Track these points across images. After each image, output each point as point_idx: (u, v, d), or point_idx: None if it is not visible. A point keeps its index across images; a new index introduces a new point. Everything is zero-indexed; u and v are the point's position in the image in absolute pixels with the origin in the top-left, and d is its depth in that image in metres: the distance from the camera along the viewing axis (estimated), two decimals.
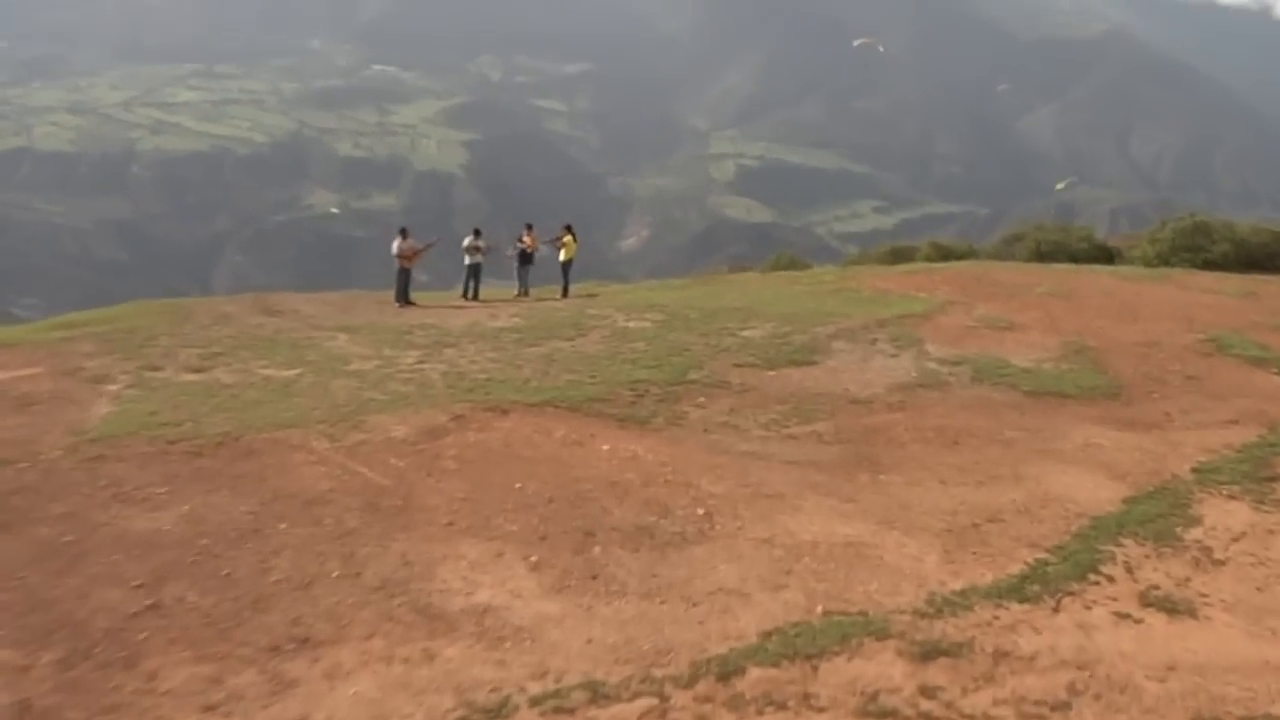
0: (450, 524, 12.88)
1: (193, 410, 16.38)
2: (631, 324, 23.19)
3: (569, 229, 30.41)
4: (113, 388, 17.71)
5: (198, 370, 18.93)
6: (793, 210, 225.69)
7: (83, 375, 18.32)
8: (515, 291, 30.32)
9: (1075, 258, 37.09)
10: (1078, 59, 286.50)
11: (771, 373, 19.73)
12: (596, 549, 12.41)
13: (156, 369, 18.90)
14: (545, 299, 29.47)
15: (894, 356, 20.91)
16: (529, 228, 30.87)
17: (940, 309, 24.56)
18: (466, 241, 30.01)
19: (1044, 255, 37.38)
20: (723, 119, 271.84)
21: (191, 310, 25.36)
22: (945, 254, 38.30)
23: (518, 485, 14.02)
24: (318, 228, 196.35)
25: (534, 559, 12.07)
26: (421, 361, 19.73)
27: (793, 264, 39.93)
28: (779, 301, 25.67)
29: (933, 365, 20.45)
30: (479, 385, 18.14)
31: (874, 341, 21.71)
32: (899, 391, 19.03)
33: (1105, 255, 38.03)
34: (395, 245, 28.71)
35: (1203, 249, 35.23)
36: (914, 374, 19.97)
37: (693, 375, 19.18)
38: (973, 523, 13.37)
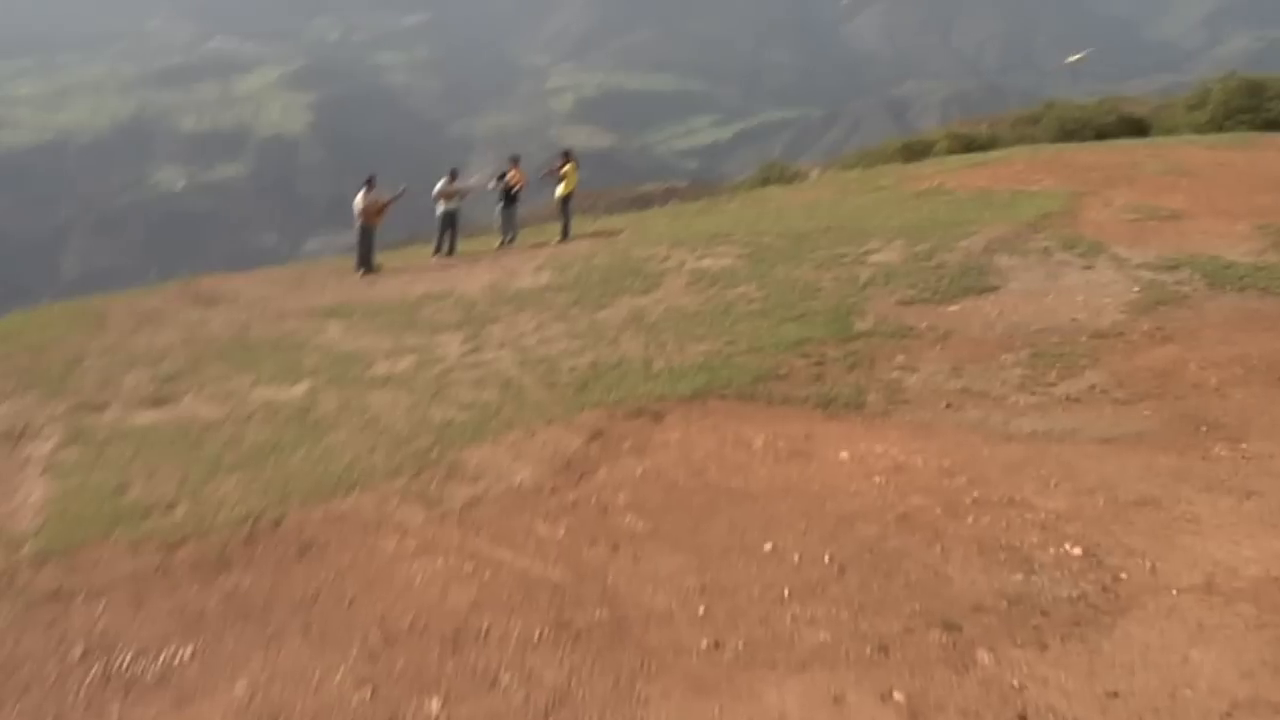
0: (715, 646, 7.41)
1: (182, 475, 10.48)
2: (708, 263, 17.63)
3: (568, 155, 24.44)
4: (42, 448, 11.64)
5: (159, 402, 12.88)
6: (632, 134, 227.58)
7: None
8: (499, 241, 24.32)
9: (1103, 133, 32.44)
10: None
11: (954, 307, 14.47)
12: (982, 654, 7.06)
13: (98, 408, 12.81)
14: (542, 244, 23.59)
15: (1088, 269, 15.77)
16: (514, 161, 24.86)
17: (1076, 203, 19.47)
18: (440, 185, 23.90)
19: (1070, 134, 32.64)
20: (560, 53, 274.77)
21: (104, 311, 19.06)
22: (967, 143, 33.26)
23: (767, 547, 8.59)
24: (164, 206, 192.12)
25: (900, 696, 6.68)
26: (474, 349, 13.93)
27: (783, 174, 34.38)
28: (871, 214, 20.29)
29: (1147, 274, 15.38)
30: (585, 377, 12.48)
31: (1046, 251, 16.53)
32: (1141, 315, 13.91)
33: (1137, 128, 33.37)
34: (358, 199, 22.56)
35: (1260, 109, 30.71)
36: (1135, 289, 14.86)
37: (859, 325, 13.79)
38: None
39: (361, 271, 22.31)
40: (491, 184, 24.43)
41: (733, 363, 12.58)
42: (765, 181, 34.13)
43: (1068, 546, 8.44)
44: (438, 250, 23.81)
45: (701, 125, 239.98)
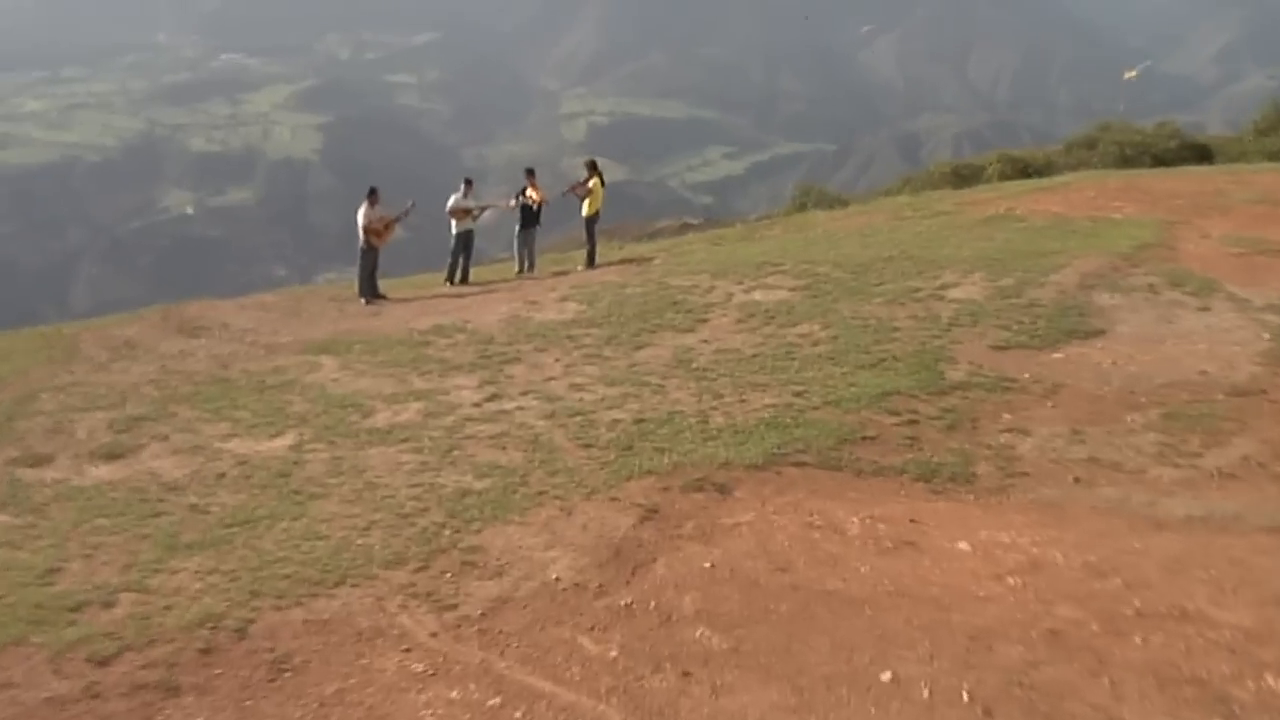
0: None
1: (129, 556, 8.34)
2: (759, 296, 15.46)
3: (594, 167, 22.14)
4: None
5: (114, 456, 10.71)
6: (644, 165, 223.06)
7: None
8: (517, 268, 22.06)
9: (1163, 160, 30.30)
10: None
11: (1058, 354, 12.34)
12: None
13: (42, 461, 10.64)
14: (564, 271, 21.43)
15: (1204, 310, 13.65)
16: (531, 174, 22.62)
17: (1169, 234, 17.36)
18: (453, 200, 21.65)
19: (1128, 160, 30.48)
20: (571, 77, 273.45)
21: (77, 340, 16.88)
22: (1022, 167, 31.11)
23: (885, 677, 6.56)
24: (173, 231, 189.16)
25: None
26: (492, 396, 11.73)
27: (823, 199, 32.12)
28: (937, 242, 18.14)
29: (1275, 319, 13.19)
30: (630, 434, 10.30)
31: (1152, 289, 14.39)
32: None
33: (1201, 153, 31.22)
34: (361, 214, 20.34)
35: None
36: (1265, 336, 12.71)
37: (951, 374, 11.62)
38: None
39: (366, 300, 20.14)
40: (511, 203, 22.20)
41: (807, 419, 10.41)
42: (804, 206, 31.90)
43: (1270, 680, 6.37)
44: (451, 277, 21.55)
45: (714, 157, 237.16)
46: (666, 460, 9.53)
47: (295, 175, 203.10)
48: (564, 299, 16.79)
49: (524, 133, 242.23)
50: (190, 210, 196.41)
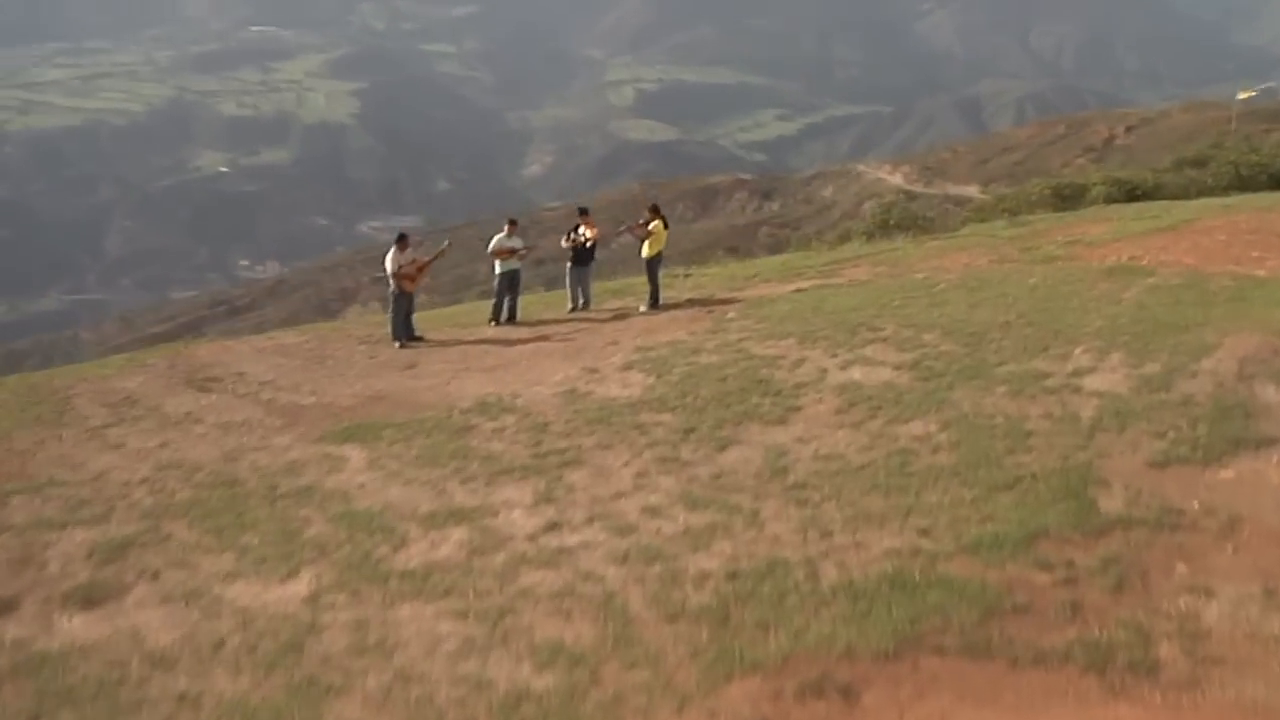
0: None
1: None
2: (858, 374, 13.38)
3: (656, 210, 20.33)
4: None
5: (92, 602, 8.87)
6: (695, 126, 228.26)
7: None
8: (569, 304, 20.30)
9: None
10: None
11: (1227, 473, 10.16)
12: None
13: (4, 609, 8.73)
14: (624, 313, 19.48)
15: None
16: (584, 212, 20.87)
17: None
18: (495, 240, 19.88)
19: (1244, 181, 28.17)
20: (617, 47, 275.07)
21: (71, 395, 15.17)
22: (1129, 190, 28.78)
23: None
24: (208, 187, 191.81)
25: None
26: (551, 525, 9.66)
27: (911, 220, 29.80)
28: (1058, 303, 15.94)
29: None
30: (723, 597, 8.29)
31: None
32: None
33: None
34: (389, 258, 18.60)
35: None
36: None
37: (1105, 503, 9.48)
38: None
39: (398, 343, 18.35)
40: (563, 242, 20.42)
41: (940, 576, 8.33)
42: (885, 223, 29.66)
43: None
44: (496, 317, 19.75)
45: (767, 119, 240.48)
46: (774, 645, 7.50)
47: (332, 137, 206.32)
48: (628, 366, 14.78)
49: (569, 99, 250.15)
50: (224, 169, 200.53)
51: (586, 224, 20.13)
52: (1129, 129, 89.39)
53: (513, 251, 19.68)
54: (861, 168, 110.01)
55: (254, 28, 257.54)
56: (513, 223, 20.27)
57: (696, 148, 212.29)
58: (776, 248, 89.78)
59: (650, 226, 19.66)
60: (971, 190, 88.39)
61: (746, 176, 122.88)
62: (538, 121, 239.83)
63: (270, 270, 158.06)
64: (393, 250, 18.59)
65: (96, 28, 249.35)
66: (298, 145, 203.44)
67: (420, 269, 18.72)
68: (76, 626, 8.42)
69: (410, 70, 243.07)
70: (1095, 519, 9.20)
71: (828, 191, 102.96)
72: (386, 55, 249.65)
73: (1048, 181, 31.95)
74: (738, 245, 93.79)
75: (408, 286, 18.44)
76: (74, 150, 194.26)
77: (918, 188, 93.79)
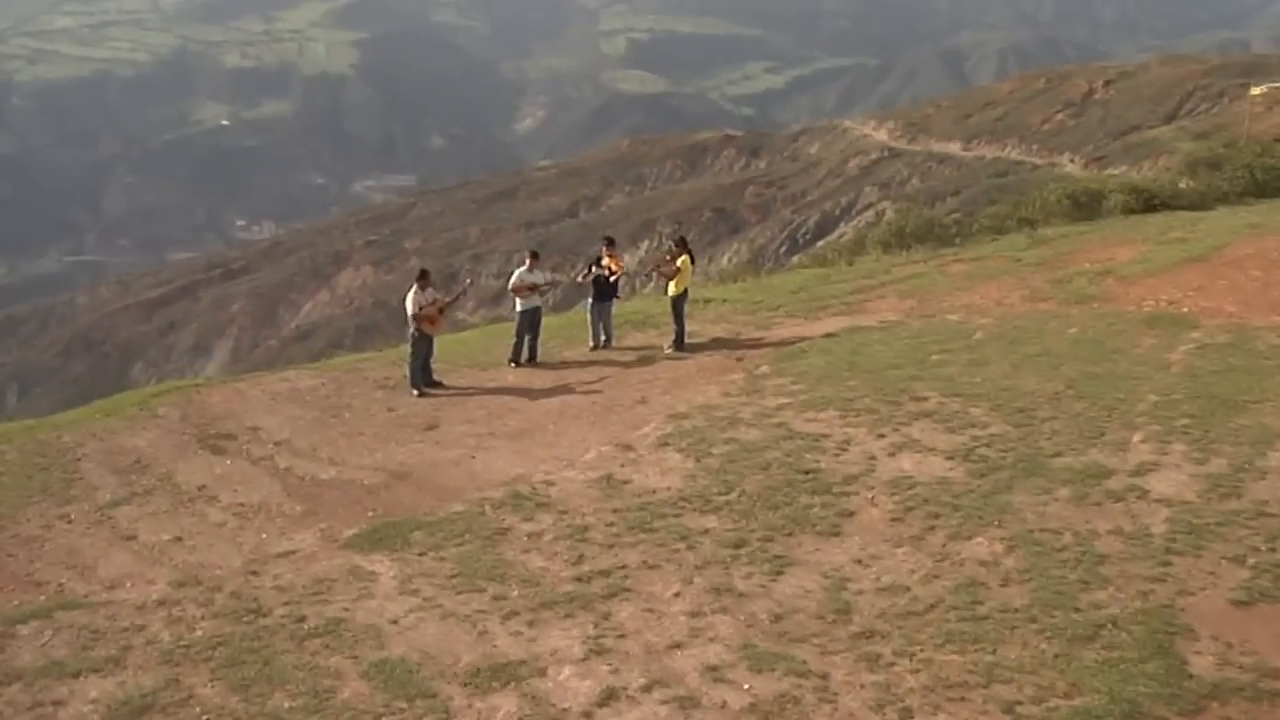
0: None
1: None
2: (908, 465, 12.76)
3: (683, 243, 19.56)
4: None
5: None
6: (686, 78, 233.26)
7: None
8: (590, 342, 19.57)
9: None
10: None
11: None
12: None
13: None
14: (648, 354, 18.80)
15: None
16: (609, 243, 20.06)
17: None
18: (516, 275, 19.10)
19: (1261, 186, 27.37)
20: None
21: (79, 458, 14.53)
22: (1147, 200, 27.88)
23: None
24: (208, 142, 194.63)
25: None
26: (607, 694, 8.92)
27: (931, 229, 28.81)
28: (1105, 365, 15.33)
29: None
30: None
31: None
32: None
33: None
34: (409, 299, 17.81)
35: None
36: None
37: (1193, 660, 8.96)
38: None
39: (416, 391, 17.65)
40: (581, 276, 19.63)
41: None
42: (901, 232, 28.74)
43: None
44: (516, 357, 19.00)
45: (756, 72, 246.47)
46: None
47: (331, 89, 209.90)
48: (663, 443, 14.09)
49: (562, 47, 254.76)
50: (225, 122, 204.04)
51: (610, 257, 19.33)
52: (1108, 83, 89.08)
53: (534, 288, 18.88)
54: (847, 124, 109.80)
55: None
56: (534, 255, 19.39)
57: (686, 100, 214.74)
58: (763, 209, 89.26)
59: (678, 263, 18.91)
60: (954, 148, 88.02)
61: (734, 133, 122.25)
62: (532, 72, 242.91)
63: (266, 231, 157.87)
64: (413, 290, 17.82)
65: None
66: (298, 97, 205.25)
67: (441, 310, 18.00)
68: None
69: (409, 20, 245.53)
70: (1186, 686, 8.59)
71: (814, 149, 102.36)
72: (387, 4, 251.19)
73: (1063, 188, 30.91)
74: (724, 206, 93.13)
75: (428, 329, 17.74)
76: (79, 103, 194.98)
77: (901, 144, 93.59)
